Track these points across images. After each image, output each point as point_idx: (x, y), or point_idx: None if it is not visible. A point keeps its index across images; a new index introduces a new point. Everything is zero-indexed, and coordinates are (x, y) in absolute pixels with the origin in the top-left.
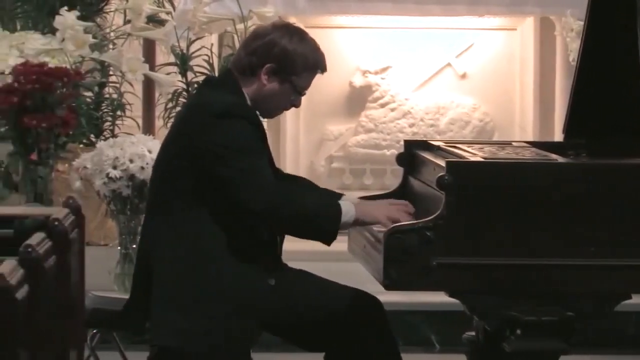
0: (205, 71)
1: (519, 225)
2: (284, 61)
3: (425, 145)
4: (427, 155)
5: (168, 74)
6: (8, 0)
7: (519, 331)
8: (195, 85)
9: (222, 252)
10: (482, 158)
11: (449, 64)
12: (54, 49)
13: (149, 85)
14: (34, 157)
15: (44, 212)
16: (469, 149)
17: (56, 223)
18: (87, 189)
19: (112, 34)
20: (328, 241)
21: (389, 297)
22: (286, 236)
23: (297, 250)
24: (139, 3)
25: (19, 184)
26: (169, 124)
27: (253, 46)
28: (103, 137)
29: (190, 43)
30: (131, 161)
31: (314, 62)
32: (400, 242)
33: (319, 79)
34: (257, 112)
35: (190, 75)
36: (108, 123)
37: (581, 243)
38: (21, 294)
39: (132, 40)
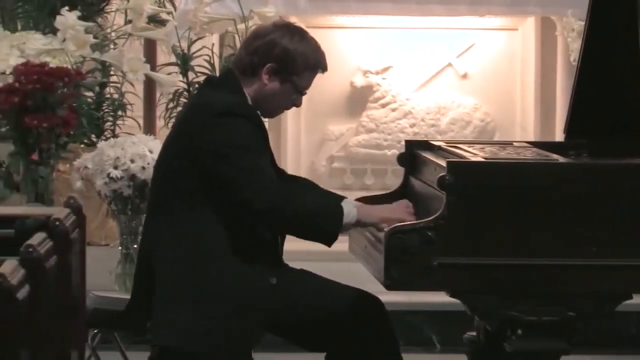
0: (206, 71)
1: (520, 226)
2: (284, 61)
3: (426, 145)
4: (428, 156)
5: (169, 74)
6: (9, 0)
7: (519, 331)
8: (196, 85)
9: (223, 252)
10: (483, 158)
11: (450, 64)
12: (55, 49)
13: (150, 85)
14: (35, 157)
15: (45, 212)
16: (470, 149)
17: (57, 223)
18: (88, 189)
19: (113, 34)
20: (329, 242)
21: (389, 297)
22: (287, 236)
23: (297, 250)
24: (140, 3)
25: (20, 184)
26: (170, 124)
27: (254, 46)
28: (104, 137)
29: (191, 43)
30: (132, 161)
31: (315, 62)
32: (401, 242)
33: (320, 79)
34: (258, 112)
35: (191, 75)
36: (109, 123)
37: (582, 243)
38: (22, 294)
39: (133, 40)
